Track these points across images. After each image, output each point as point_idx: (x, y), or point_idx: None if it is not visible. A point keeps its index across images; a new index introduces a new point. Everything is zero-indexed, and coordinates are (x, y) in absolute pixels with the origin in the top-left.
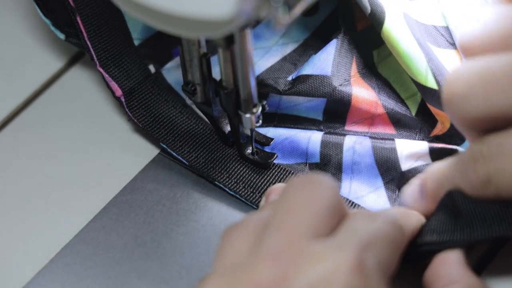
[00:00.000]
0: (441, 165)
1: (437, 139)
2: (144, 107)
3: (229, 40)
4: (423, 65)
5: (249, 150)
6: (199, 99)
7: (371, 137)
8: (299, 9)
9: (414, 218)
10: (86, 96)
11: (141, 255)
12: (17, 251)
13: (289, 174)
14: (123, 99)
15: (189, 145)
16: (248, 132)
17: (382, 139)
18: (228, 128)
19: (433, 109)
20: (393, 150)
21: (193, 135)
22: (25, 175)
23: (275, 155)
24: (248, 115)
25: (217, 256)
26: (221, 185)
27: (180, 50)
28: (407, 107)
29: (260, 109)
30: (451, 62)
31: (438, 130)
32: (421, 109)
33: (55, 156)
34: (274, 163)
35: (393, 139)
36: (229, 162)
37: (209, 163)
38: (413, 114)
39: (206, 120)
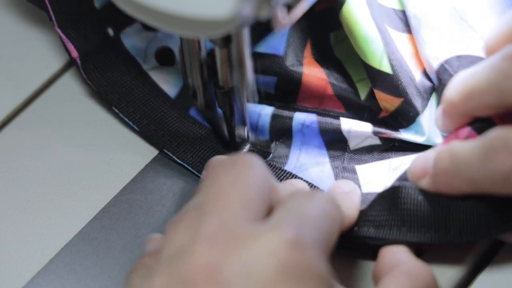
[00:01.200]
0: (463, 145)
1: (383, 121)
2: (100, 71)
3: (226, 39)
4: (379, 48)
5: (245, 149)
6: (199, 104)
7: (318, 114)
8: (299, 9)
9: (354, 200)
10: (86, 96)
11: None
12: (17, 251)
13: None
14: (78, 61)
15: (141, 111)
16: (243, 132)
17: (329, 116)
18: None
19: (379, 94)
20: (339, 127)
21: (146, 102)
22: (25, 175)
23: (270, 154)
24: None
25: (162, 249)
26: (170, 154)
27: (180, 55)
28: (356, 91)
29: None
30: (405, 47)
31: (383, 114)
32: (371, 93)
33: (55, 156)
34: (272, 165)
35: (338, 117)
36: (174, 124)
37: (159, 131)
38: (362, 98)
39: (160, 87)
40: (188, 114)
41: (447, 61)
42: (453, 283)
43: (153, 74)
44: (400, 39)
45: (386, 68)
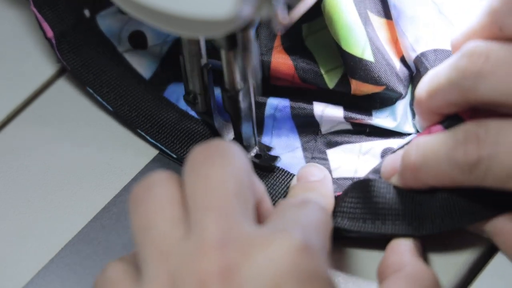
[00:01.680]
0: (429, 139)
1: (355, 103)
2: (75, 51)
3: (232, 42)
4: (362, 37)
5: (252, 153)
6: (201, 109)
7: (291, 99)
8: (299, 9)
9: (329, 188)
10: (86, 96)
11: None
12: (17, 251)
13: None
14: (54, 41)
15: (116, 92)
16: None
17: (302, 100)
18: (230, 137)
19: (359, 85)
20: (311, 112)
21: (120, 83)
22: (25, 175)
23: (278, 158)
24: None
25: (141, 241)
26: (143, 134)
27: (181, 60)
28: (324, 81)
29: None
30: (383, 33)
31: (357, 93)
32: (341, 83)
33: (55, 156)
34: (277, 167)
35: (311, 102)
36: (148, 105)
37: (133, 111)
38: (330, 87)
39: (135, 69)
40: (162, 96)
41: (423, 54)
42: (453, 284)
43: (128, 56)
44: (379, 25)
45: (368, 56)
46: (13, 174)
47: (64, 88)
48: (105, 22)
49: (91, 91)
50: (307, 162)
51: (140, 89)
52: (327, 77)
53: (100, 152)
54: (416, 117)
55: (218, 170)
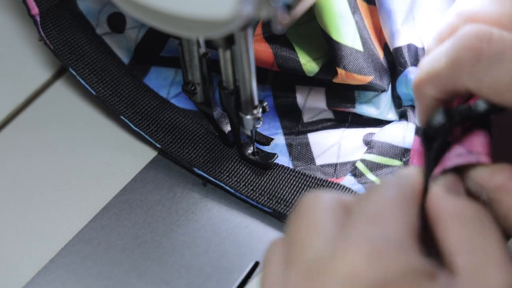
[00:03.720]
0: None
1: (337, 92)
2: (58, 30)
3: (229, 40)
4: (351, 27)
5: (249, 151)
6: (199, 99)
7: (272, 86)
8: (299, 9)
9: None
10: (86, 97)
11: (141, 255)
12: (17, 251)
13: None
14: (38, 19)
15: (97, 75)
16: (248, 132)
17: (283, 87)
18: (228, 128)
19: (348, 75)
20: (294, 100)
21: (101, 66)
22: (25, 175)
23: (276, 155)
24: (248, 117)
25: (293, 250)
26: (127, 121)
27: (180, 50)
28: (303, 71)
29: (260, 110)
30: (368, 19)
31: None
32: (320, 72)
33: (55, 156)
34: (275, 163)
35: (294, 91)
36: (129, 91)
37: (115, 96)
38: (309, 75)
39: (114, 52)
40: (142, 83)
41: (398, 48)
42: None
43: (107, 39)
44: (365, 11)
45: (358, 46)
46: (13, 174)
47: (64, 89)
48: (85, 3)
49: (73, 72)
50: (288, 148)
51: (120, 73)
52: (306, 68)
53: (100, 152)
54: (416, 109)
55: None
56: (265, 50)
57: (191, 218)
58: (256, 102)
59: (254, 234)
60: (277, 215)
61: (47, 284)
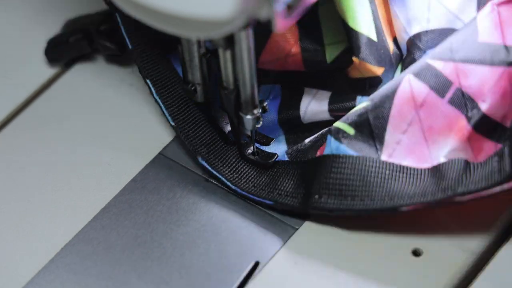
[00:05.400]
0: None
1: (343, 88)
2: None
3: (229, 40)
4: (368, 16)
5: (249, 151)
6: (199, 99)
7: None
8: (299, 9)
9: None
10: (86, 97)
11: (141, 255)
12: (17, 251)
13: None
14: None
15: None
16: (248, 132)
17: (291, 90)
18: (228, 128)
19: (363, 65)
20: (297, 113)
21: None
22: (25, 175)
23: (276, 155)
24: (249, 117)
25: None
26: (150, 86)
27: (180, 50)
28: (324, 54)
29: (260, 110)
30: (381, 10)
31: (353, 74)
32: (338, 59)
33: (55, 156)
34: (275, 162)
35: (300, 95)
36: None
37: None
38: (329, 61)
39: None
40: (166, 57)
41: (416, 36)
42: (453, 284)
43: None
44: (379, 2)
45: (373, 35)
46: (13, 174)
47: (64, 88)
48: None
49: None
50: (288, 149)
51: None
52: (328, 50)
53: (100, 152)
54: None
55: None
56: (290, 29)
57: (191, 218)
58: (257, 102)
59: (254, 234)
60: (279, 206)
61: (47, 284)
